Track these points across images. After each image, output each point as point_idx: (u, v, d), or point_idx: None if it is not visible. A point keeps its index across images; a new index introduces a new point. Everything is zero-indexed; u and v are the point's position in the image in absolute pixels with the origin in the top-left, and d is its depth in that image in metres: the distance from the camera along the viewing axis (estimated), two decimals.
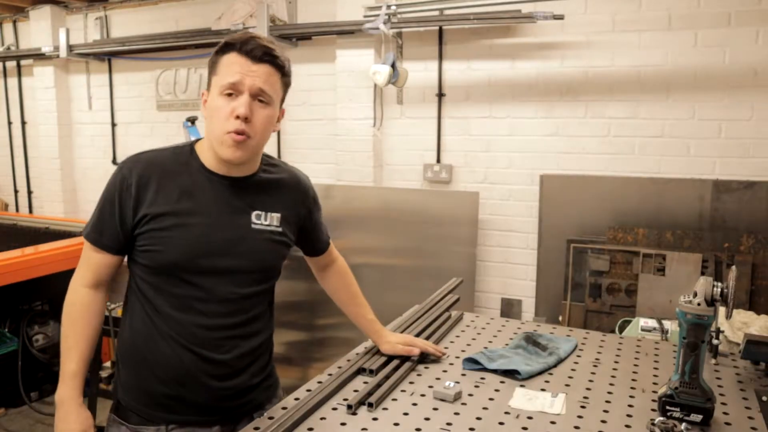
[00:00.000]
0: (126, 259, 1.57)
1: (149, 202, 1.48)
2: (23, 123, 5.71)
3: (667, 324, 2.44)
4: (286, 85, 1.56)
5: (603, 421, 1.39)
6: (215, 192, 1.52)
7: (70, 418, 1.49)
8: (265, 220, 1.57)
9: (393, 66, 3.65)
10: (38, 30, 5.27)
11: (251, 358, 1.60)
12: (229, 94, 1.45)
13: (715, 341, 1.66)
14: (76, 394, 1.51)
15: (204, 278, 1.50)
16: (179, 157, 1.54)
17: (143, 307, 1.53)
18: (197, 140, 1.60)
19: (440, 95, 3.92)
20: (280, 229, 1.60)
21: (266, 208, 1.58)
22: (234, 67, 1.45)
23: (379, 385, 1.52)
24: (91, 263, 1.55)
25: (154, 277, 1.51)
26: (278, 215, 1.60)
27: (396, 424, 1.36)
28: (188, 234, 1.48)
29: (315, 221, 1.75)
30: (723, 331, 2.12)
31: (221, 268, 1.51)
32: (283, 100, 1.57)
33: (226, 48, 1.47)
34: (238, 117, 1.43)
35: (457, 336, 1.95)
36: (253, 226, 1.55)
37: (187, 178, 1.51)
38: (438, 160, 3.97)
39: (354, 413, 1.41)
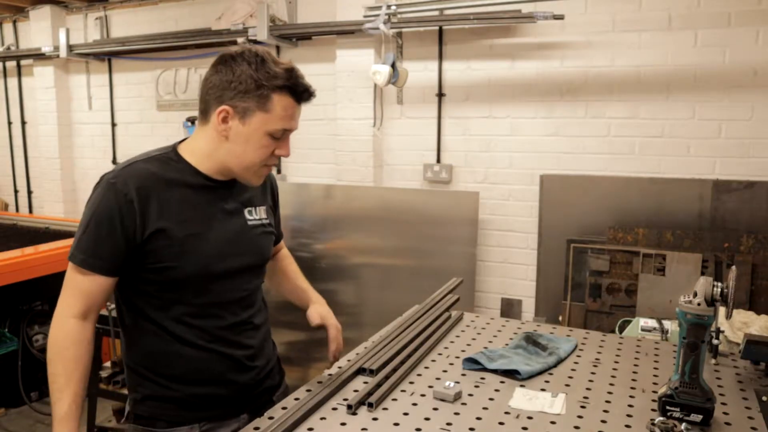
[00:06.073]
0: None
1: (155, 217, 1.43)
2: (23, 123, 5.71)
3: (667, 324, 2.44)
4: None
5: (603, 421, 1.39)
6: (211, 197, 1.53)
7: None
8: (257, 215, 1.64)
9: (393, 66, 3.65)
10: (38, 30, 5.27)
11: (263, 346, 1.68)
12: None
13: (715, 341, 1.66)
14: None
15: (217, 283, 1.53)
16: (169, 164, 1.51)
17: (156, 321, 1.51)
18: (179, 143, 1.57)
19: (440, 95, 3.92)
20: (268, 221, 1.68)
21: (254, 203, 1.64)
22: (289, 112, 1.47)
23: (379, 385, 1.52)
24: (83, 290, 1.44)
25: (167, 292, 1.49)
26: (264, 207, 1.67)
27: (396, 424, 1.36)
28: (200, 245, 1.48)
29: (278, 207, 1.83)
30: (723, 331, 2.12)
31: (232, 270, 1.55)
32: None
33: (284, 89, 1.45)
34: (279, 155, 1.51)
35: (457, 336, 1.95)
36: (248, 222, 1.61)
37: (183, 187, 1.49)
38: (438, 160, 3.97)
39: (354, 413, 1.41)
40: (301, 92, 1.46)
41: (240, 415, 1.61)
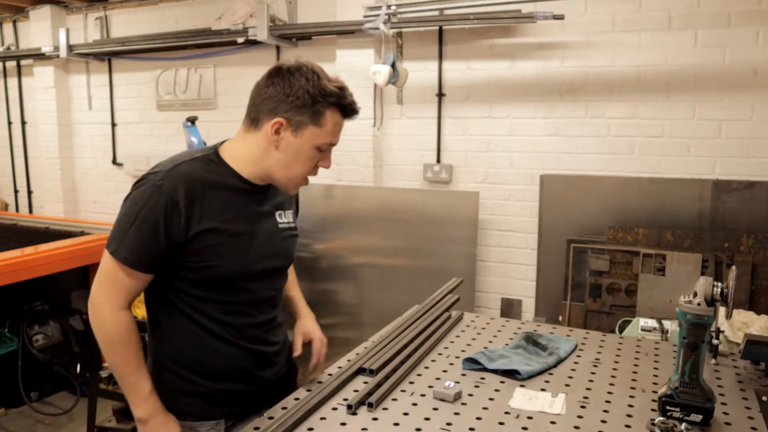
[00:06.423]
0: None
1: (198, 219, 1.49)
2: (23, 123, 5.71)
3: (667, 324, 2.44)
4: None
5: (603, 421, 1.39)
6: (249, 200, 1.59)
7: (163, 429, 1.54)
8: (285, 218, 1.70)
9: (393, 66, 3.65)
10: (38, 30, 5.26)
11: (284, 343, 1.77)
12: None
13: (715, 341, 1.66)
14: (159, 405, 1.55)
15: (252, 283, 1.59)
16: (211, 167, 1.56)
17: (190, 317, 1.56)
18: (220, 145, 1.61)
19: (440, 95, 3.92)
20: (294, 225, 1.74)
21: (283, 207, 1.70)
22: (338, 128, 1.55)
23: (379, 385, 1.52)
24: (125, 285, 1.51)
25: (204, 290, 1.54)
26: (291, 211, 1.74)
27: (396, 424, 1.36)
28: (240, 245, 1.54)
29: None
30: (723, 331, 2.12)
31: (267, 270, 1.62)
32: None
33: (337, 107, 1.52)
34: (321, 167, 1.58)
35: (457, 336, 1.95)
36: (279, 225, 1.67)
37: (224, 190, 1.55)
38: (438, 160, 3.97)
39: (354, 413, 1.41)
40: (350, 110, 1.55)
41: (261, 412, 1.61)
